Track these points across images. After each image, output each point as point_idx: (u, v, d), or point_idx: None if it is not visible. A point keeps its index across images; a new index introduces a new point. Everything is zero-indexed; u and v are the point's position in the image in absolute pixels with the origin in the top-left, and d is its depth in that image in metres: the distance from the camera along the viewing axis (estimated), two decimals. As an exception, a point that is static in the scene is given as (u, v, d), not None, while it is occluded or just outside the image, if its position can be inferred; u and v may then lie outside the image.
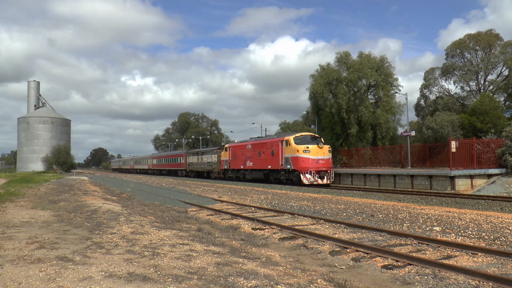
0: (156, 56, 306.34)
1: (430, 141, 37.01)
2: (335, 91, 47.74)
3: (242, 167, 36.15)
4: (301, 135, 30.22)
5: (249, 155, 34.91)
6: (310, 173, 27.44)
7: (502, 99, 48.01)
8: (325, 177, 27.87)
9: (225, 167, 39.59)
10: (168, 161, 62.58)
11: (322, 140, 30.19)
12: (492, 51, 49.36)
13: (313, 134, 32.06)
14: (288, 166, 28.81)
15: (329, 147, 29.58)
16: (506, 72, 48.90)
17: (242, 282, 4.81)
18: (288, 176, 29.34)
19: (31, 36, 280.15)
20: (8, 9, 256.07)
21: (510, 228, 9.51)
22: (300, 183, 27.79)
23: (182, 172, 55.46)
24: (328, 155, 28.82)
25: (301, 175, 27.58)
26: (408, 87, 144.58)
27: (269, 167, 31.40)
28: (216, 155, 43.15)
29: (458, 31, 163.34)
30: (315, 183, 27.39)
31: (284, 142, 29.68)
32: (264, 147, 32.61)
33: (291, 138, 29.23)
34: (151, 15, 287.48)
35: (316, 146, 28.27)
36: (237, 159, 37.21)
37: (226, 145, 40.87)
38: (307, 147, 28.03)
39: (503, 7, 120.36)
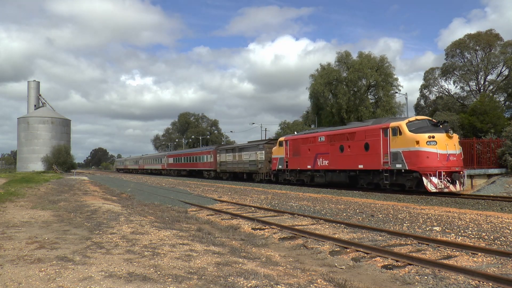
0: (156, 55, 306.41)
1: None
2: (335, 91, 47.80)
3: (309, 167, 26.66)
4: (417, 120, 20.85)
5: (322, 150, 25.45)
6: (439, 176, 18.49)
7: (502, 99, 48.03)
8: (457, 181, 18.93)
9: (279, 167, 30.12)
10: (190, 159, 52.88)
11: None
12: (492, 51, 49.36)
13: (430, 118, 22.86)
14: (399, 165, 19.85)
15: (458, 137, 20.56)
16: (506, 72, 48.89)
17: (242, 282, 4.81)
18: (397, 180, 20.38)
19: (30, 36, 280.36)
20: (6, 8, 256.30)
21: (510, 228, 9.51)
22: (419, 190, 19.59)
23: (210, 173, 46.01)
24: (459, 149, 19.99)
25: (423, 178, 18.68)
26: (409, 87, 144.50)
27: (360, 166, 22.26)
28: (262, 152, 33.59)
29: (458, 30, 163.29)
30: (445, 190, 18.70)
31: (389, 131, 20.54)
32: (350, 138, 23.32)
33: (402, 123, 20.05)
34: (151, 14, 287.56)
35: (444, 135, 19.19)
36: (301, 157, 27.58)
37: (281, 138, 30.66)
38: (432, 137, 19.02)
39: (504, 6, 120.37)
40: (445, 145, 18.99)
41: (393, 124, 20.57)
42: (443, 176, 18.56)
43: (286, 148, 29.34)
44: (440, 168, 18.61)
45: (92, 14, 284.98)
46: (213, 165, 44.60)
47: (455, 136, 19.91)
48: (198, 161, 49.65)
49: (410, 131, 19.62)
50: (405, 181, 20.03)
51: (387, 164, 20.46)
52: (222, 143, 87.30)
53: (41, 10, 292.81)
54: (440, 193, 19.05)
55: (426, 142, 19.00)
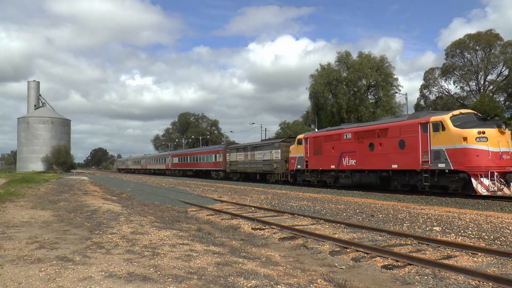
0: (156, 55, 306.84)
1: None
2: (335, 91, 47.82)
3: (332, 167, 24.23)
4: (461, 113, 18.51)
5: (348, 148, 23.06)
6: (491, 176, 16.30)
7: (502, 99, 48.05)
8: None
9: (298, 167, 27.67)
10: (196, 159, 50.18)
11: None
12: (492, 51, 49.36)
13: (475, 112, 20.22)
14: (442, 165, 17.52)
15: (510, 133, 17.86)
16: (506, 72, 48.88)
17: (242, 282, 4.81)
18: (439, 181, 17.94)
19: (29, 35, 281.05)
20: (6, 8, 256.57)
21: (510, 228, 9.52)
22: (466, 193, 17.53)
23: (219, 173, 43.22)
24: None
25: (472, 179, 16.61)
26: (409, 87, 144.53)
27: (394, 166, 19.90)
28: (278, 151, 31.17)
29: (459, 30, 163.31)
30: (498, 193, 16.57)
31: (429, 126, 18.19)
32: (382, 135, 20.84)
33: (446, 117, 17.75)
34: (151, 14, 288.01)
35: (495, 130, 16.98)
36: (323, 156, 25.14)
37: (301, 136, 28.01)
38: (482, 132, 16.82)
39: (505, 6, 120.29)
40: (497, 142, 16.69)
41: (434, 118, 18.21)
42: (496, 177, 16.34)
43: (306, 146, 26.80)
44: (492, 168, 16.40)
45: (92, 14, 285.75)
46: (222, 165, 42.08)
47: (508, 132, 17.48)
48: (206, 160, 47.03)
49: (455, 126, 17.46)
50: (449, 183, 17.73)
51: (427, 164, 18.17)
52: (223, 143, 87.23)
53: (41, 10, 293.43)
54: (490, 196, 17.24)
55: (476, 139, 16.77)
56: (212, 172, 45.34)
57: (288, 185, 28.80)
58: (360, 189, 22.18)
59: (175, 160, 58.79)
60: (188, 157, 53.42)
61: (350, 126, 24.54)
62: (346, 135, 23.48)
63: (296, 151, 27.99)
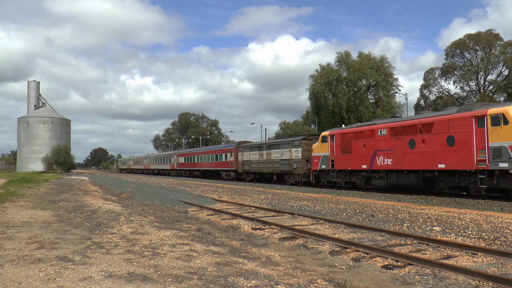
0: (156, 55, 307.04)
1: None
2: (335, 91, 47.82)
3: (364, 167, 21.97)
4: None
5: (383, 146, 20.69)
6: None
7: (502, 99, 48.02)
8: None
9: (322, 167, 25.21)
10: (204, 159, 47.55)
11: None
12: (492, 51, 49.37)
13: None
14: (504, 165, 15.24)
15: None
16: (506, 72, 48.89)
17: (242, 282, 4.81)
18: (499, 183, 15.75)
19: (29, 35, 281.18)
20: (5, 7, 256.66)
21: (510, 228, 9.52)
22: None
23: (230, 174, 40.38)
24: None
25: None
26: (409, 87, 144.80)
27: (441, 166, 17.58)
28: (299, 149, 28.52)
29: (459, 30, 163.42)
30: None
31: (486, 119, 15.94)
32: (425, 130, 18.49)
33: (509, 109, 15.41)
34: (150, 14, 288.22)
35: None
36: (352, 154, 22.80)
37: (326, 133, 25.50)
38: None
39: (505, 6, 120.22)
40: None
41: (493, 110, 15.81)
42: None
43: (332, 144, 24.39)
44: None
45: (91, 14, 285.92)
46: (233, 165, 39.43)
47: None
48: (215, 160, 44.26)
49: None
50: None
51: (483, 163, 15.86)
52: (222, 143, 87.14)
53: (40, 9, 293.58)
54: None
55: None
56: (222, 172, 42.43)
57: (310, 186, 26.54)
58: (397, 192, 20.23)
59: (181, 160, 56.52)
60: (195, 157, 50.77)
61: (385, 121, 22.21)
62: (380, 131, 21.00)
63: (320, 149, 25.53)
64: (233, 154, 39.60)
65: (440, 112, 19.21)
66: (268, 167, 32.73)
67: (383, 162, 20.76)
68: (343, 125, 27.57)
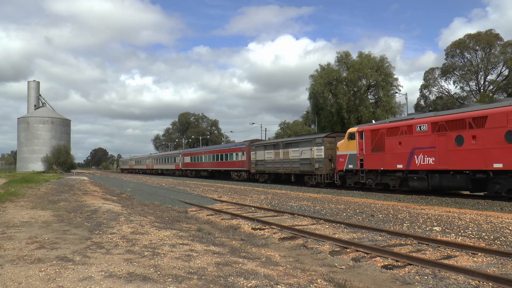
0: (155, 55, 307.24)
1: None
2: (335, 91, 47.82)
3: (399, 166, 19.72)
4: None
5: (422, 143, 18.46)
6: None
7: (502, 99, 48.09)
8: None
9: (349, 166, 23.02)
10: (213, 158, 44.94)
11: None
12: (492, 51, 49.38)
13: None
14: None
15: None
16: (506, 72, 48.91)
17: (242, 282, 4.81)
18: None
19: (29, 35, 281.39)
20: (4, 7, 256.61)
21: (510, 228, 9.52)
22: None
23: (241, 174, 37.96)
24: None
25: None
26: (409, 86, 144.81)
27: (497, 166, 15.59)
28: (321, 148, 26.10)
29: (459, 30, 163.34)
30: None
31: None
32: (476, 125, 16.45)
33: None
34: (150, 14, 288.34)
35: None
36: (385, 153, 20.55)
37: (353, 129, 23.25)
38: None
39: (505, 6, 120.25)
40: None
41: None
42: None
43: (360, 141, 22.12)
44: None
45: (91, 13, 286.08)
46: (245, 165, 36.96)
47: None
48: (225, 159, 41.72)
49: None
50: None
51: None
52: (222, 143, 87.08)
53: (40, 9, 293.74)
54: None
55: None
56: (232, 173, 40.04)
57: (333, 188, 24.68)
58: (439, 195, 18.66)
59: (187, 159, 53.79)
60: (203, 156, 48.02)
61: (424, 115, 19.98)
62: (420, 126, 18.77)
63: (347, 147, 23.18)
64: (245, 153, 37.15)
65: (495, 104, 17.08)
66: (285, 167, 30.18)
67: (423, 162, 18.48)
68: (373, 121, 24.99)
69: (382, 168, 20.89)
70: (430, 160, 18.17)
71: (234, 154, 39.64)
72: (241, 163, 37.87)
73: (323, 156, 25.98)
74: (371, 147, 21.45)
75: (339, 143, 24.35)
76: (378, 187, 21.52)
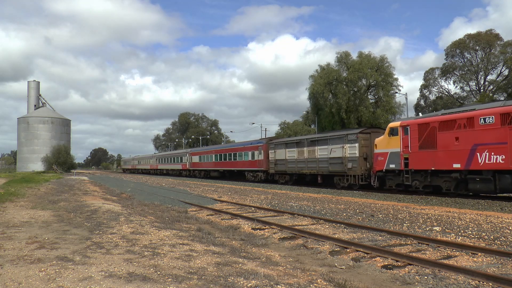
0: (155, 55, 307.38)
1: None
2: (335, 91, 47.80)
3: (456, 166, 17.10)
4: None
5: (487, 138, 15.93)
6: None
7: (502, 99, 48.06)
8: None
9: (390, 166, 20.24)
10: (225, 157, 41.98)
11: None
12: (492, 51, 49.40)
13: None
14: None
15: None
16: (506, 72, 48.93)
17: (242, 282, 4.81)
18: None
19: (28, 35, 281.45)
20: (4, 7, 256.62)
21: (510, 228, 9.52)
22: None
23: (257, 175, 34.79)
24: None
25: None
26: (410, 86, 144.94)
27: None
28: (355, 145, 23.39)
29: (460, 30, 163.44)
30: None
31: None
32: None
33: None
34: (150, 13, 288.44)
35: None
36: (438, 150, 17.73)
37: (395, 124, 20.58)
38: None
39: (506, 5, 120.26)
40: None
41: None
42: None
43: (405, 137, 19.48)
44: None
45: (90, 13, 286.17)
46: (262, 164, 33.81)
47: None
48: (238, 159, 38.55)
49: None
50: None
51: None
52: (223, 143, 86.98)
53: (39, 8, 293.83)
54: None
55: None
56: (247, 173, 36.76)
57: (370, 190, 22.28)
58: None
59: (195, 159, 50.48)
60: (213, 155, 44.75)
61: (489, 105, 17.00)
62: (484, 119, 16.04)
63: (387, 144, 20.53)
64: (262, 151, 33.90)
65: None
66: (311, 167, 27.12)
67: (489, 160, 15.89)
68: (420, 113, 22.26)
69: (433, 168, 18.09)
70: (499, 159, 15.57)
71: (250, 153, 36.37)
72: (257, 163, 34.82)
73: (357, 155, 23.16)
74: (419, 144, 18.73)
75: (377, 140, 21.59)
76: (426, 189, 19.01)
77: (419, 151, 18.72)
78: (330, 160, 25.34)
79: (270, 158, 32.41)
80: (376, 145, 21.58)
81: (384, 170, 20.76)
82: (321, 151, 26.28)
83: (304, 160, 27.88)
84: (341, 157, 24.36)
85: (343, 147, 24.26)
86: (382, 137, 21.41)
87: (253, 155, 35.80)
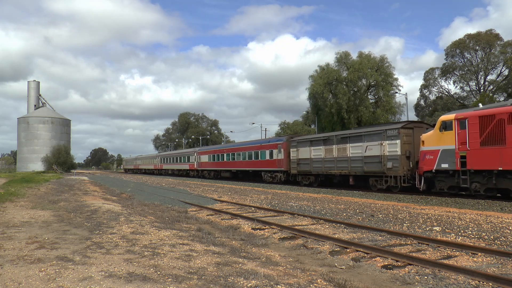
0: (155, 54, 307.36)
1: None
2: (335, 91, 47.82)
3: None
4: None
5: None
6: None
7: (502, 99, 48.06)
8: None
9: (442, 166, 17.47)
10: (237, 157, 38.63)
11: None
12: (492, 51, 49.39)
13: None
14: None
15: None
16: (506, 72, 48.93)
17: (242, 282, 4.81)
18: None
19: (28, 34, 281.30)
20: (3, 6, 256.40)
21: (510, 228, 9.52)
22: None
23: (276, 175, 31.74)
24: None
25: None
26: (410, 86, 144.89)
27: None
28: (396, 142, 20.40)
29: (460, 29, 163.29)
30: None
31: None
32: None
33: None
34: (150, 13, 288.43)
35: None
36: (507, 147, 15.20)
37: (448, 116, 17.78)
38: None
39: (506, 5, 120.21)
40: None
41: None
42: None
43: (461, 132, 16.74)
44: None
45: (90, 13, 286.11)
46: (282, 164, 30.60)
47: None
48: (254, 158, 35.22)
49: None
50: None
51: None
52: (223, 143, 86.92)
53: (39, 8, 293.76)
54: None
55: None
56: (264, 173, 33.51)
57: (414, 193, 19.52)
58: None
59: (204, 158, 47.13)
60: (225, 155, 41.34)
61: None
62: None
63: (439, 140, 17.68)
64: (282, 150, 30.63)
65: None
66: (341, 166, 24.13)
67: None
68: (480, 104, 18.99)
69: (500, 168, 15.42)
70: None
71: (268, 151, 32.93)
72: (276, 163, 31.52)
73: (398, 153, 20.16)
74: (481, 140, 16.04)
75: (425, 136, 18.65)
76: (489, 193, 16.34)
77: (481, 148, 16.01)
78: (365, 159, 22.41)
79: (291, 157, 29.08)
80: (423, 141, 18.64)
81: (433, 171, 17.95)
82: (353, 149, 23.31)
83: (333, 159, 24.84)
84: (378, 156, 21.40)
85: (381, 144, 21.28)
86: (431, 132, 18.46)
87: (271, 154, 32.49)
